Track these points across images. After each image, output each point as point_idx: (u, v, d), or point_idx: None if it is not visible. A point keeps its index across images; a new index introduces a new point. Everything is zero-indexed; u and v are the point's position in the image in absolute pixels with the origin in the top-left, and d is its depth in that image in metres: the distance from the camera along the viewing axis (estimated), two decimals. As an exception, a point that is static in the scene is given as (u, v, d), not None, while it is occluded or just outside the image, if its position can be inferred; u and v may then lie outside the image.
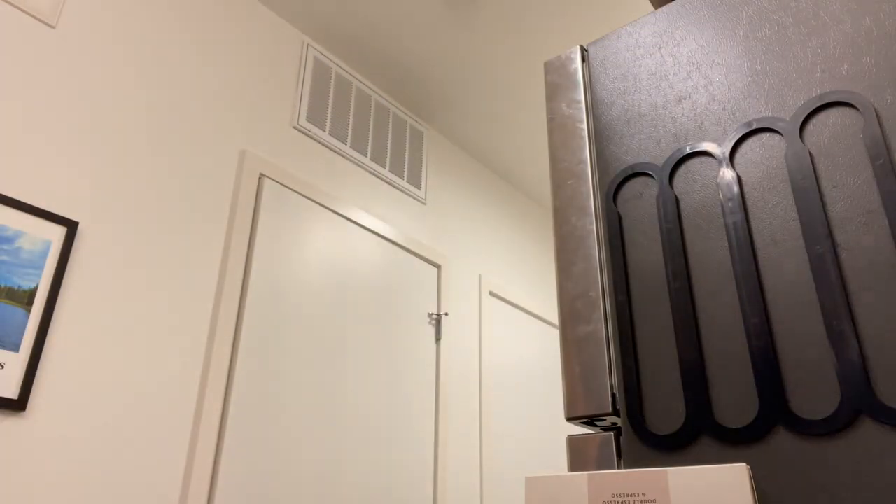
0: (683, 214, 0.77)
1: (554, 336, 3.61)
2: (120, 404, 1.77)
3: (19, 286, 1.63)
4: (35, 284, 1.66)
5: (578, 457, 0.73)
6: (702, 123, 0.79)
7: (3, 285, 1.60)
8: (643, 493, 0.43)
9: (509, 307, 3.47)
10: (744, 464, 0.42)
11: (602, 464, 0.71)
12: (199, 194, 2.14)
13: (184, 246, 2.05)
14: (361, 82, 2.93)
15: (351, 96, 2.85)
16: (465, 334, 3.08)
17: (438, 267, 3.05)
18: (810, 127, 0.71)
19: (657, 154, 0.81)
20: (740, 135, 0.75)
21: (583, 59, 0.94)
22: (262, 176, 2.36)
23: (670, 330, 0.72)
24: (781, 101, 0.74)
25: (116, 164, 1.91)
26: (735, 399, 0.66)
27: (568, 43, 2.80)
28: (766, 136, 0.74)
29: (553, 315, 3.63)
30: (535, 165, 3.58)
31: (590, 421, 0.75)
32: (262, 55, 2.52)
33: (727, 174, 0.74)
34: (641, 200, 0.81)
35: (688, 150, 0.79)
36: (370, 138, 2.89)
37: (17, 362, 1.59)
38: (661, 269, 0.76)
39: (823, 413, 0.60)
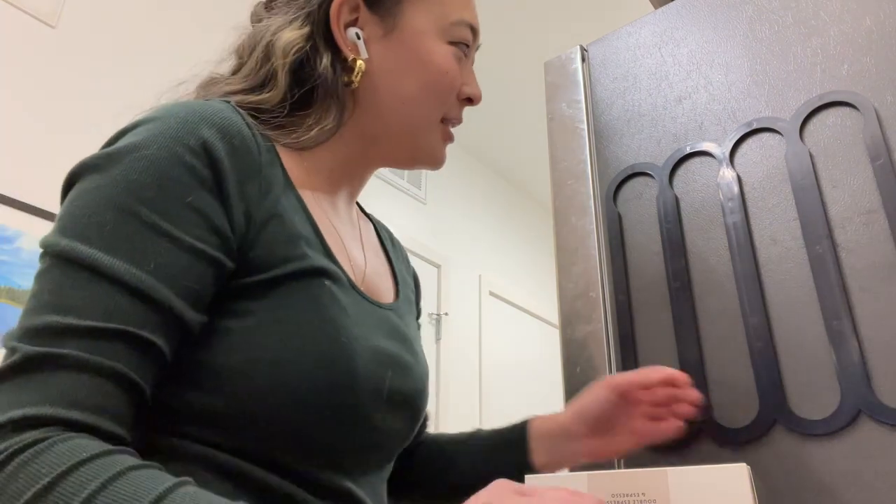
0: (683, 214, 0.77)
1: (554, 336, 3.61)
2: (120, 404, 1.77)
3: (19, 286, 1.63)
4: (35, 284, 1.66)
5: (578, 457, 0.73)
6: (702, 123, 0.79)
7: (3, 285, 1.60)
8: (643, 493, 0.43)
9: (509, 307, 3.47)
10: (744, 464, 0.42)
11: (602, 464, 0.71)
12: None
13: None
14: (361, 82, 2.93)
15: (351, 96, 2.85)
16: (465, 334, 3.08)
17: (438, 267, 3.05)
18: (810, 127, 0.71)
19: (657, 154, 0.81)
20: (740, 135, 0.75)
21: (583, 59, 0.94)
22: (262, 176, 2.36)
23: (670, 330, 0.72)
24: (781, 101, 0.74)
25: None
26: (735, 399, 0.66)
27: (568, 43, 2.79)
28: (766, 136, 0.74)
29: (553, 315, 3.63)
30: (535, 165, 3.58)
31: (590, 421, 0.75)
32: (262, 55, 2.52)
33: (727, 174, 0.74)
34: (641, 200, 0.81)
35: (688, 150, 0.79)
36: (370, 138, 2.88)
37: (17, 362, 1.59)
38: (661, 269, 0.76)
39: (823, 413, 0.60)
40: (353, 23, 0.60)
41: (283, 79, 0.58)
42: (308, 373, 0.49)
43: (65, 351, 0.40)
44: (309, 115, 0.59)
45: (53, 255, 0.44)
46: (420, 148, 0.64)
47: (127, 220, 0.44)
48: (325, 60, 0.59)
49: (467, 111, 0.70)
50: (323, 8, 0.60)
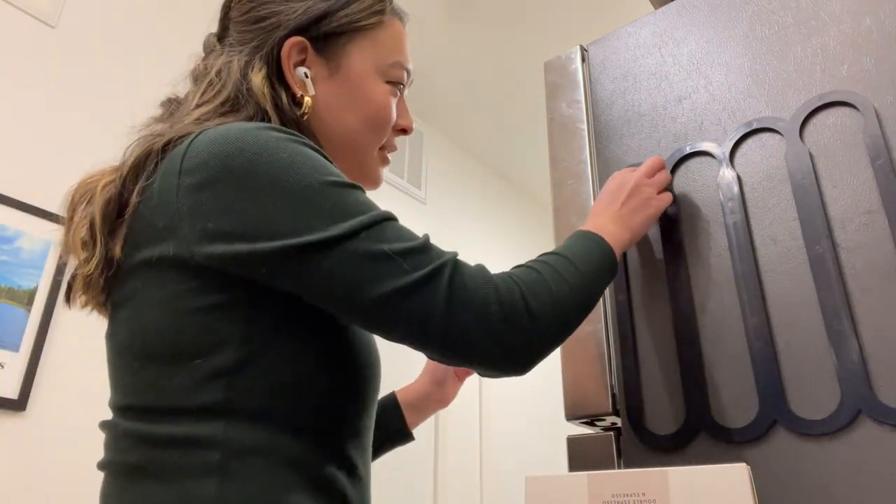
0: (683, 214, 0.77)
1: (554, 336, 3.60)
2: (120, 404, 1.77)
3: (19, 286, 1.63)
4: (35, 284, 1.66)
5: (578, 457, 0.73)
6: (702, 123, 0.79)
7: (3, 285, 1.60)
8: (643, 493, 0.43)
9: (509, 307, 3.46)
10: (744, 464, 0.42)
11: (602, 464, 0.71)
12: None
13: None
14: (361, 82, 2.93)
15: (351, 96, 2.85)
16: (465, 334, 3.08)
17: (438, 267, 3.05)
18: (810, 127, 0.71)
19: (657, 154, 0.81)
20: (740, 135, 0.75)
21: (583, 59, 0.94)
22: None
23: (670, 330, 0.72)
24: (781, 101, 0.74)
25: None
26: (735, 399, 0.66)
27: (568, 43, 2.79)
28: (766, 136, 0.74)
29: (553, 315, 3.62)
30: (535, 165, 3.58)
31: (590, 421, 0.75)
32: (262, 55, 2.52)
33: (727, 174, 0.74)
34: (641, 200, 0.81)
35: (688, 150, 0.79)
36: (370, 138, 2.88)
37: (17, 362, 1.59)
38: (662, 269, 0.76)
39: (823, 413, 0.60)
40: (301, 62, 0.68)
41: (274, 116, 0.65)
42: (369, 370, 0.64)
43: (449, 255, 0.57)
44: None
45: (336, 241, 0.53)
46: (361, 173, 0.73)
47: (339, 188, 0.56)
48: (284, 97, 0.66)
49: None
50: (275, 50, 0.67)
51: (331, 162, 0.60)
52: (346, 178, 0.58)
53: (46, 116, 1.81)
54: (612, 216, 0.71)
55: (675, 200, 0.78)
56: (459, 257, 0.58)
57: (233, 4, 0.72)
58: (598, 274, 0.63)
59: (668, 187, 0.78)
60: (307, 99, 0.66)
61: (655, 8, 1.02)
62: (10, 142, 1.72)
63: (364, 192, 0.59)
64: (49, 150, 1.79)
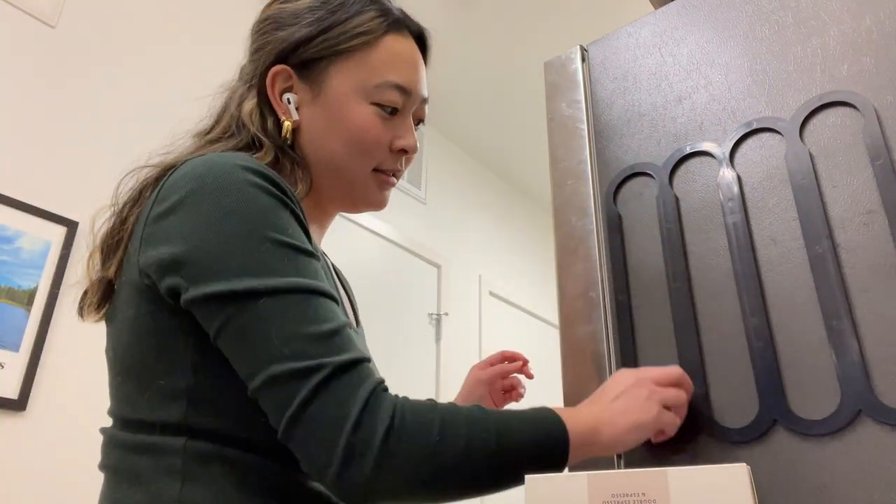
0: (683, 214, 0.77)
1: (554, 336, 3.61)
2: (120, 404, 1.77)
3: (19, 286, 1.63)
4: (35, 284, 1.66)
5: (578, 457, 0.73)
6: (702, 123, 0.79)
7: (3, 285, 1.60)
8: (643, 493, 0.43)
9: (509, 307, 3.47)
10: (744, 464, 0.42)
11: (602, 464, 0.71)
12: (199, 194, 2.13)
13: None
14: (361, 82, 2.93)
15: (351, 96, 2.84)
16: (465, 334, 3.08)
17: (438, 267, 3.05)
18: (810, 127, 0.71)
19: (657, 154, 0.81)
20: (740, 135, 0.75)
21: (583, 59, 0.94)
22: (262, 176, 2.35)
23: (670, 330, 0.72)
24: (781, 101, 0.74)
25: (116, 164, 1.90)
26: (735, 399, 0.66)
27: (568, 43, 2.79)
28: (766, 136, 0.74)
29: (553, 315, 3.63)
30: (535, 165, 3.58)
31: (590, 421, 0.75)
32: (262, 55, 2.51)
33: (727, 174, 0.74)
34: (641, 200, 0.81)
35: (688, 150, 0.79)
36: (370, 138, 2.88)
37: (17, 362, 1.59)
38: (661, 269, 0.75)
39: (823, 413, 0.60)
40: (289, 89, 0.70)
41: (267, 142, 0.67)
42: None
43: (354, 356, 0.52)
44: (293, 173, 0.69)
45: (237, 297, 0.52)
46: (356, 196, 0.72)
47: (271, 245, 0.54)
48: (269, 123, 0.69)
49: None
50: (262, 79, 0.70)
51: (301, 216, 0.59)
52: (297, 242, 0.55)
53: (46, 116, 1.81)
54: (602, 405, 0.61)
55: (677, 201, 0.77)
56: (366, 363, 0.53)
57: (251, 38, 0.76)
58: (518, 455, 0.54)
59: (695, 406, 0.66)
60: (286, 124, 0.68)
61: (655, 8, 1.02)
62: (10, 142, 1.72)
63: (316, 260, 0.57)
64: (49, 150, 1.79)
